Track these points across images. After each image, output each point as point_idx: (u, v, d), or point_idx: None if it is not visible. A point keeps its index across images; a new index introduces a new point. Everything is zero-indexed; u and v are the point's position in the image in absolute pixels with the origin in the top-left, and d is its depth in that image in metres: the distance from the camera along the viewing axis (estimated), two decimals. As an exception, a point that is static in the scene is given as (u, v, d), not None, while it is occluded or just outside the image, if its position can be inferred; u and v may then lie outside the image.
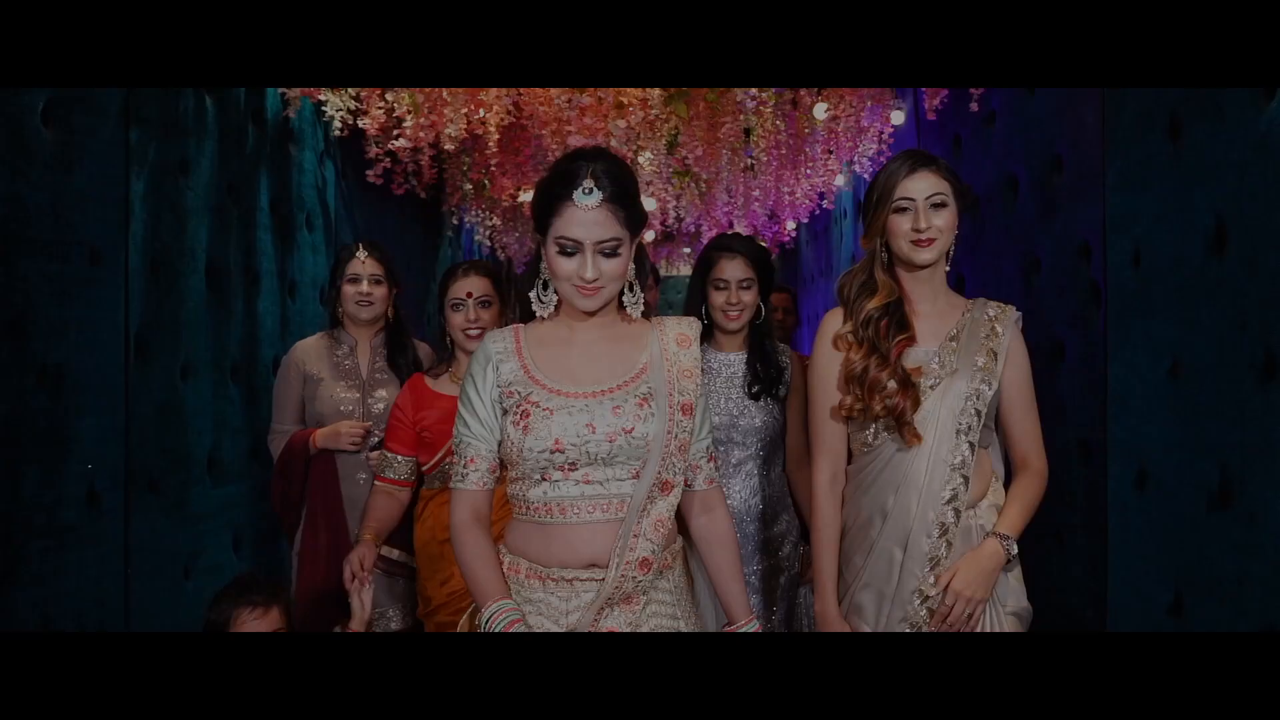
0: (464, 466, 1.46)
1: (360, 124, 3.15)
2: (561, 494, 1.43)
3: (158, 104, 2.35)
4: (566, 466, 1.42)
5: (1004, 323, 1.78)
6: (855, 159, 3.97)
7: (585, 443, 1.41)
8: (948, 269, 1.81)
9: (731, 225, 5.48)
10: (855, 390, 1.74)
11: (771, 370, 2.32)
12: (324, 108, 3.19)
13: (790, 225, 6.04)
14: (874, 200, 1.79)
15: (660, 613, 1.48)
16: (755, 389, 2.30)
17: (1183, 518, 1.97)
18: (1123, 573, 2.23)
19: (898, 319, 1.76)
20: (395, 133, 3.23)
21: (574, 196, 1.39)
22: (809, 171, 4.15)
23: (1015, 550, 1.71)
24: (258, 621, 1.78)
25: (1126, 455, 2.18)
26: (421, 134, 3.17)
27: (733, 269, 2.27)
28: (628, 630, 1.42)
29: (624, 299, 1.50)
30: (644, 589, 1.44)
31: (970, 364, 1.74)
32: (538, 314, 1.48)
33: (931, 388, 1.73)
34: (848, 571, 1.79)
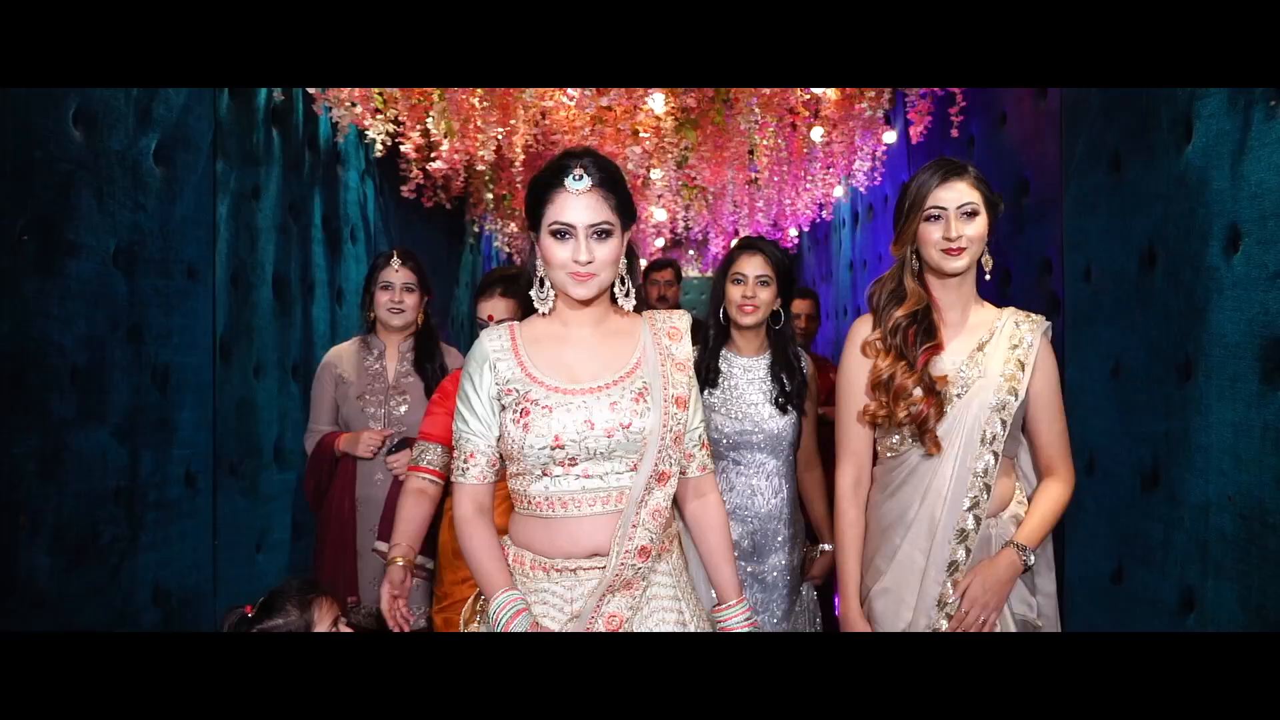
0: (464, 462, 1.49)
1: (402, 148, 3.49)
2: (562, 488, 1.45)
3: (238, 139, 2.70)
4: (566, 462, 1.44)
5: (1033, 333, 1.76)
6: (851, 174, 4.30)
7: (584, 438, 1.43)
8: (989, 277, 1.81)
9: (737, 233, 5.82)
10: (881, 397, 1.74)
11: (797, 380, 2.32)
12: (368, 132, 3.53)
13: (792, 232, 6.37)
14: (905, 208, 1.77)
15: (660, 594, 1.51)
16: (782, 400, 2.30)
17: (1121, 498, 2.30)
18: (1075, 547, 2.56)
19: (925, 327, 1.75)
20: (432, 155, 3.57)
21: (565, 183, 1.42)
22: (809, 186, 4.47)
23: (1032, 560, 1.71)
24: (330, 611, 1.67)
25: (1079, 445, 2.51)
26: (456, 156, 3.51)
27: (752, 265, 2.29)
28: (629, 613, 1.46)
29: (614, 291, 1.51)
30: (643, 574, 1.48)
31: (997, 373, 1.72)
32: (539, 310, 1.51)
33: (958, 396, 1.72)
34: (868, 574, 1.78)
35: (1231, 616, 1.86)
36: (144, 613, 2.19)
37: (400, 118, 3.50)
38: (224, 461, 2.62)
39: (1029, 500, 1.81)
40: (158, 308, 2.26)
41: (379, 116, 3.47)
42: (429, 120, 3.39)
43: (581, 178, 1.42)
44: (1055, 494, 1.76)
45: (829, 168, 4.20)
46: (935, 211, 1.72)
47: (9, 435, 1.73)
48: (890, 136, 4.18)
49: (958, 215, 1.71)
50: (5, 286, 1.72)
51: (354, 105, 3.25)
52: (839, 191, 5.15)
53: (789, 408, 2.30)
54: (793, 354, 2.36)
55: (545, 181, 1.45)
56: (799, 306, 3.25)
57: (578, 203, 1.42)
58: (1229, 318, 1.89)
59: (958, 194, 1.72)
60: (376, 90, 3.13)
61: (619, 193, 1.46)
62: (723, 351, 2.34)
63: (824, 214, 5.18)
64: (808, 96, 3.10)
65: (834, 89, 2.93)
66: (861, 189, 4.50)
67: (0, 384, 1.71)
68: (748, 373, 2.33)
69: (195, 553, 2.45)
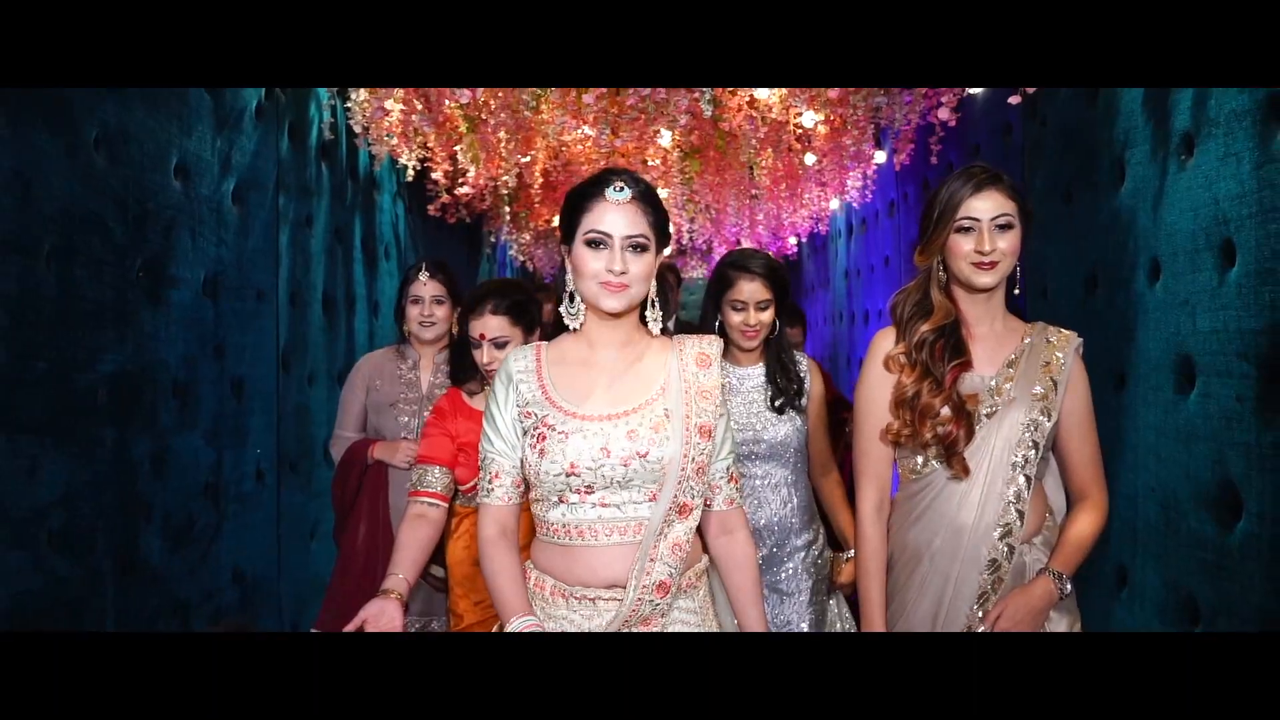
0: (489, 481, 1.47)
1: (432, 175, 3.85)
2: (579, 516, 1.42)
3: (295, 175, 3.06)
4: (583, 489, 1.41)
5: (1065, 349, 1.68)
6: (845, 192, 4.64)
7: (600, 466, 1.40)
8: (1017, 292, 1.72)
9: (739, 242, 6.17)
10: (905, 415, 1.63)
11: (793, 383, 2.28)
12: (400, 159, 3.88)
13: (792, 240, 6.72)
14: (934, 217, 1.65)
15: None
16: (779, 402, 2.26)
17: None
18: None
19: (953, 343, 1.64)
20: (460, 181, 3.93)
21: (605, 193, 1.42)
22: (805, 202, 4.82)
23: (1069, 589, 1.62)
24: None
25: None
26: (482, 182, 3.86)
27: (751, 290, 2.21)
28: (637, 633, 1.42)
29: (645, 315, 1.49)
30: (662, 611, 1.43)
31: (1028, 393, 1.63)
32: (569, 326, 1.48)
33: (987, 416, 1.62)
34: (894, 604, 1.68)
35: (1155, 590, 2.20)
36: (226, 591, 2.56)
37: (428, 143, 3.85)
38: (285, 460, 2.99)
39: (1060, 525, 1.72)
40: (235, 328, 2.62)
41: (412, 143, 3.82)
42: (458, 150, 3.74)
43: (622, 189, 1.42)
44: (1091, 518, 1.67)
45: (823, 186, 4.53)
46: (967, 223, 1.60)
47: (130, 439, 2.09)
48: (880, 156, 4.52)
49: (991, 227, 1.60)
50: (126, 316, 2.08)
51: (390, 137, 3.61)
52: (834, 204, 5.49)
53: (786, 409, 2.27)
54: (789, 359, 2.33)
55: (584, 192, 1.45)
56: (792, 334, 3.17)
57: (617, 213, 1.41)
58: (1151, 336, 2.23)
59: (993, 204, 1.60)
60: (413, 128, 3.49)
61: (657, 210, 1.46)
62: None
63: (820, 227, 5.52)
64: (799, 132, 3.44)
65: (822, 124, 3.27)
66: (855, 204, 4.84)
67: (122, 397, 2.07)
68: (744, 382, 2.30)
69: (263, 540, 2.81)
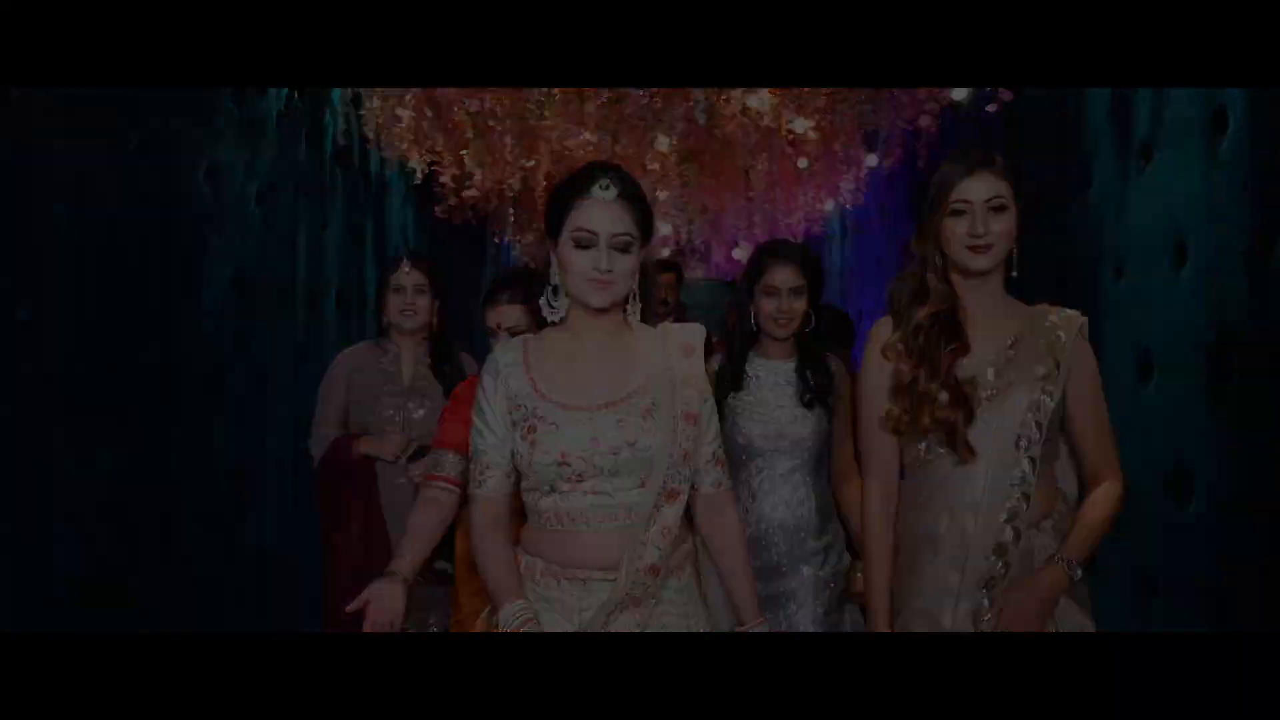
0: (481, 473, 1.50)
1: (441, 180, 4.02)
2: (571, 504, 1.46)
3: (312, 179, 3.23)
4: (574, 478, 1.44)
5: (1068, 330, 1.65)
6: (839, 194, 4.80)
7: (590, 456, 1.43)
8: (1014, 274, 1.70)
9: (737, 243, 6.34)
10: (904, 402, 1.64)
11: (823, 379, 2.23)
12: (409, 163, 4.05)
13: (789, 241, 6.89)
14: (928, 202, 1.65)
15: (669, 612, 1.50)
16: (808, 397, 2.22)
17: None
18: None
19: (950, 327, 1.64)
20: (467, 184, 4.10)
21: (591, 191, 1.43)
22: (801, 202, 4.98)
23: (1079, 574, 1.60)
24: None
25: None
26: (488, 185, 4.03)
27: (784, 276, 2.16)
28: (635, 630, 1.45)
29: (626, 307, 1.52)
30: (652, 593, 1.48)
31: (1030, 374, 1.61)
32: (549, 319, 1.51)
33: (988, 399, 1.61)
34: (900, 595, 1.68)
35: (1118, 569, 2.36)
36: (250, 573, 2.72)
37: (437, 148, 4.02)
38: (303, 449, 3.15)
39: (1076, 509, 1.69)
40: (258, 322, 2.78)
41: (421, 149, 3.99)
42: (465, 155, 3.91)
43: (609, 187, 1.43)
44: (1104, 503, 1.64)
45: (816, 189, 4.70)
46: (960, 206, 1.59)
47: (166, 428, 2.25)
48: (873, 160, 4.68)
49: (984, 210, 1.58)
50: (160, 311, 2.24)
51: (401, 143, 3.78)
52: (829, 206, 5.65)
53: (814, 404, 2.22)
54: (821, 355, 2.27)
55: (570, 189, 1.46)
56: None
57: (603, 211, 1.43)
58: (1115, 330, 2.39)
59: (986, 186, 1.59)
60: (423, 134, 3.66)
61: (642, 208, 1.48)
62: (750, 355, 2.26)
63: (815, 229, 5.69)
64: (791, 137, 3.61)
65: (812, 130, 3.43)
66: (848, 206, 5.00)
67: (159, 389, 2.23)
68: (775, 376, 2.24)
69: (284, 525, 2.98)
